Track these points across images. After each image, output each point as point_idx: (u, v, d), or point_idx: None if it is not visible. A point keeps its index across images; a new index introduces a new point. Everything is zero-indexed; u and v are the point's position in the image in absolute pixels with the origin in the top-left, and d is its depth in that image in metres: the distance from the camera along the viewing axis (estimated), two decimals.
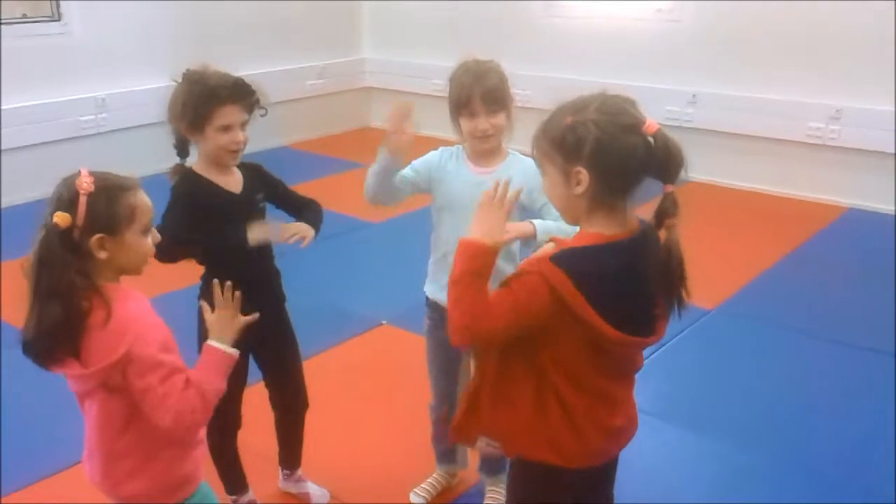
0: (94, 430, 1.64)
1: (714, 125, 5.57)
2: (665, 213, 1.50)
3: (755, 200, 5.40)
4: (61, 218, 1.51)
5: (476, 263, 1.51)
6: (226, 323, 1.69)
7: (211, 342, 1.67)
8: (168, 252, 1.94)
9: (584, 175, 1.50)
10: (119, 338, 1.52)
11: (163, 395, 1.54)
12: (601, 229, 1.54)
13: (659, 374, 3.21)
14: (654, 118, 1.51)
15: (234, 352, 1.68)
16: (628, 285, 1.51)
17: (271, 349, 2.35)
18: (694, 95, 5.62)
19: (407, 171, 2.26)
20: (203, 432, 1.76)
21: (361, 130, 7.43)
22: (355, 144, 6.95)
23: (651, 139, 1.48)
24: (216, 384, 1.63)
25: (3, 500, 2.55)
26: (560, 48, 6.12)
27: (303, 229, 2.21)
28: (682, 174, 1.49)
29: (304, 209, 2.32)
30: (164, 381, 1.54)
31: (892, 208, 5.06)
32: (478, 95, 2.11)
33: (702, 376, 3.29)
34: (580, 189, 1.51)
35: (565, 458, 1.62)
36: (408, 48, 7.00)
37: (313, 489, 2.56)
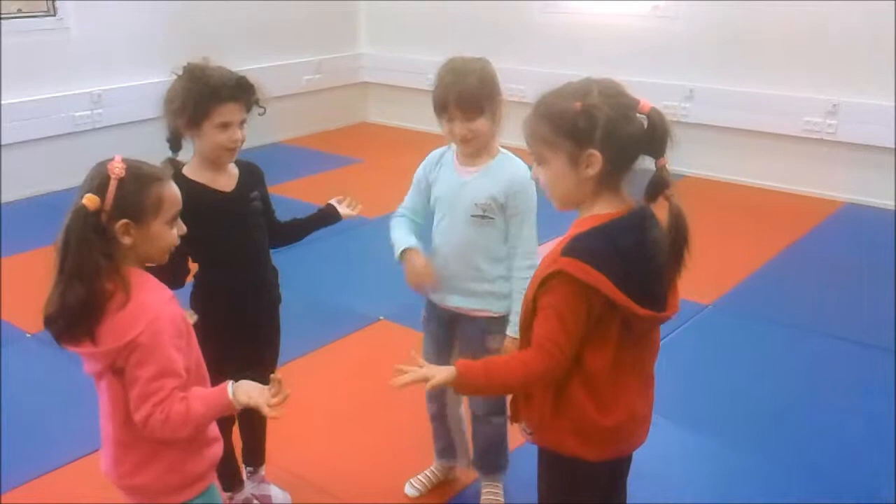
0: (104, 417, 1.65)
1: (711, 120, 5.56)
2: (663, 184, 1.55)
3: (752, 196, 5.40)
4: (90, 200, 1.53)
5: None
6: (258, 395, 1.61)
7: (228, 389, 1.61)
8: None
9: (596, 157, 1.54)
10: (132, 322, 1.53)
11: (149, 392, 1.53)
12: (601, 210, 1.59)
13: (655, 370, 3.20)
14: None
15: (237, 408, 1.62)
16: (639, 261, 1.55)
17: (254, 348, 2.30)
18: (691, 91, 5.62)
19: (410, 203, 2.29)
20: (216, 430, 1.73)
21: (358, 126, 7.42)
22: (352, 140, 6.95)
23: (647, 117, 1.55)
24: (204, 421, 1.61)
25: (3, 497, 2.55)
26: (557, 44, 6.10)
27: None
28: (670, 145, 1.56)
29: (281, 227, 2.33)
30: (155, 378, 1.54)
31: (889, 203, 5.07)
32: (453, 100, 2.06)
33: (698, 372, 3.28)
34: (591, 171, 1.56)
35: (589, 447, 1.65)
36: (405, 44, 6.98)
37: (275, 492, 2.50)
